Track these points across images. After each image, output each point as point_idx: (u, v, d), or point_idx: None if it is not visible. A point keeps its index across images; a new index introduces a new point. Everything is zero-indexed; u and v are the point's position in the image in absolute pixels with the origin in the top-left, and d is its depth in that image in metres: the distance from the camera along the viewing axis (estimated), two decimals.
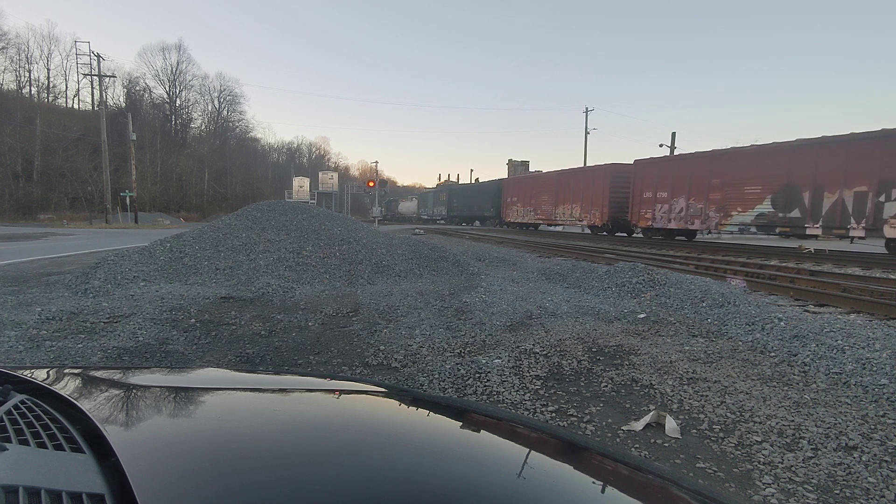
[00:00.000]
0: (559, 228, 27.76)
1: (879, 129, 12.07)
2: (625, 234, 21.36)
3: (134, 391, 0.81)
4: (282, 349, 3.91)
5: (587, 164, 32.47)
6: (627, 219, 19.99)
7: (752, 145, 15.67)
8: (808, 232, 13.46)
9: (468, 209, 39.14)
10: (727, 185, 15.77)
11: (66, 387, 0.79)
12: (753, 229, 15.86)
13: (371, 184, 35.03)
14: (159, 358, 3.60)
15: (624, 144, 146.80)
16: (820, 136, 13.42)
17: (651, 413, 2.67)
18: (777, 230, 14.73)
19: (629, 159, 19.06)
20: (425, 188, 68.81)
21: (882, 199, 11.80)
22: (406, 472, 0.58)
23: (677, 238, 18.67)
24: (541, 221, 27.30)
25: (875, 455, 2.28)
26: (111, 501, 0.43)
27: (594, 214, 22.19)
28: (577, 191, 23.46)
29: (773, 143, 14.68)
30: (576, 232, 26.77)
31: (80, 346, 3.75)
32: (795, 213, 13.73)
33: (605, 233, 22.21)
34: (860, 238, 12.48)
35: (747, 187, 15.10)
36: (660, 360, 3.64)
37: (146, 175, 44.17)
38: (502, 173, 51.45)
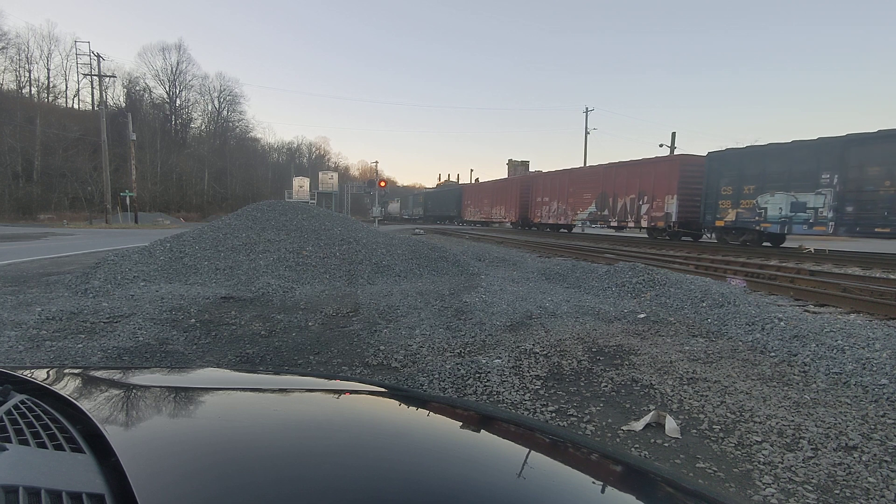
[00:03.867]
0: (496, 225, 35.34)
1: (640, 158, 19.92)
2: (534, 228, 28.83)
3: (134, 391, 0.81)
4: (282, 349, 3.91)
5: (587, 164, 35.12)
6: (529, 217, 28.24)
7: (588, 166, 24.58)
8: (611, 224, 21.12)
9: (438, 210, 47.41)
10: (576, 192, 23.61)
11: (66, 387, 0.79)
12: (588, 223, 23.12)
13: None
14: (159, 358, 3.60)
15: (624, 144, 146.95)
16: (617, 161, 21.45)
17: (651, 413, 2.67)
18: (598, 224, 22.22)
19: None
20: (425, 188, 74.84)
21: (640, 202, 19.19)
22: (406, 472, 0.58)
23: (561, 230, 26.71)
24: (484, 219, 35.45)
25: (875, 455, 2.28)
26: (111, 501, 0.43)
27: (511, 213, 30.52)
28: (503, 196, 31.95)
29: (598, 164, 22.85)
30: (505, 227, 33.75)
31: (80, 346, 3.75)
32: (605, 212, 21.28)
33: (519, 226, 30.13)
34: (632, 227, 20.33)
35: (584, 194, 22.95)
36: (660, 360, 3.64)
37: (146, 175, 44.17)
38: (503, 173, 53.58)
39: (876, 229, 12.25)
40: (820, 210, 13.16)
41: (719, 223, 15.93)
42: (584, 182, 23.04)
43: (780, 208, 14.00)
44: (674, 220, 17.55)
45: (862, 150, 12.50)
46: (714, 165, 16.17)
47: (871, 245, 13.50)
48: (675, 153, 30.35)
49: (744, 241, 15.39)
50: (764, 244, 15.20)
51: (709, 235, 17.51)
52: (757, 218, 14.63)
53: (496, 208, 33.03)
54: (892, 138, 11.98)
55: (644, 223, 18.95)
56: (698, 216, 16.85)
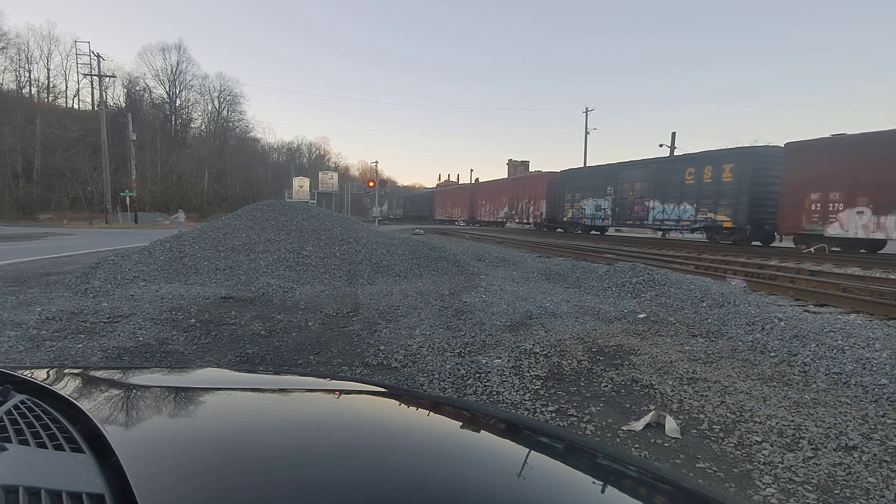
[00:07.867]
0: (444, 224, 42.95)
1: (536, 171, 30.61)
2: (478, 225, 36.23)
3: (134, 391, 0.81)
4: (282, 349, 3.91)
5: (587, 165, 36.27)
6: (475, 216, 37.19)
7: (505, 178, 34.73)
8: (516, 221, 29.83)
9: (415, 210, 55.65)
10: (498, 197, 32.68)
11: (66, 387, 0.79)
12: (506, 220, 31.39)
13: (371, 184, 35.19)
14: (159, 358, 3.60)
15: (625, 144, 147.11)
16: (520, 175, 31.59)
17: (651, 413, 2.67)
18: (509, 221, 30.88)
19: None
20: (425, 188, 77.75)
21: (529, 205, 27.94)
22: (406, 472, 0.58)
23: (497, 226, 33.45)
24: (447, 219, 43.74)
25: (875, 455, 2.28)
26: (111, 501, 0.43)
27: (465, 213, 39.55)
28: (460, 200, 41.11)
29: (510, 177, 32.61)
30: (461, 224, 41.19)
31: (80, 346, 3.75)
32: (514, 212, 29.93)
33: (472, 224, 37.49)
34: (526, 223, 29.01)
35: (503, 199, 31.91)
36: (660, 360, 3.64)
37: (146, 175, 44.11)
38: (503, 173, 55.02)
39: (627, 222, 20.13)
40: (606, 210, 21.37)
41: (564, 219, 24.53)
42: (503, 190, 32.07)
43: (590, 209, 22.35)
44: (544, 217, 26.48)
45: (623, 172, 20.23)
46: (562, 180, 24.70)
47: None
48: (675, 153, 31.81)
49: (576, 231, 23.87)
50: (592, 232, 23.64)
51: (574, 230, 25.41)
52: (580, 216, 23.14)
53: (455, 209, 42.26)
54: (633, 166, 19.72)
55: (531, 220, 27.96)
56: (556, 215, 25.54)
